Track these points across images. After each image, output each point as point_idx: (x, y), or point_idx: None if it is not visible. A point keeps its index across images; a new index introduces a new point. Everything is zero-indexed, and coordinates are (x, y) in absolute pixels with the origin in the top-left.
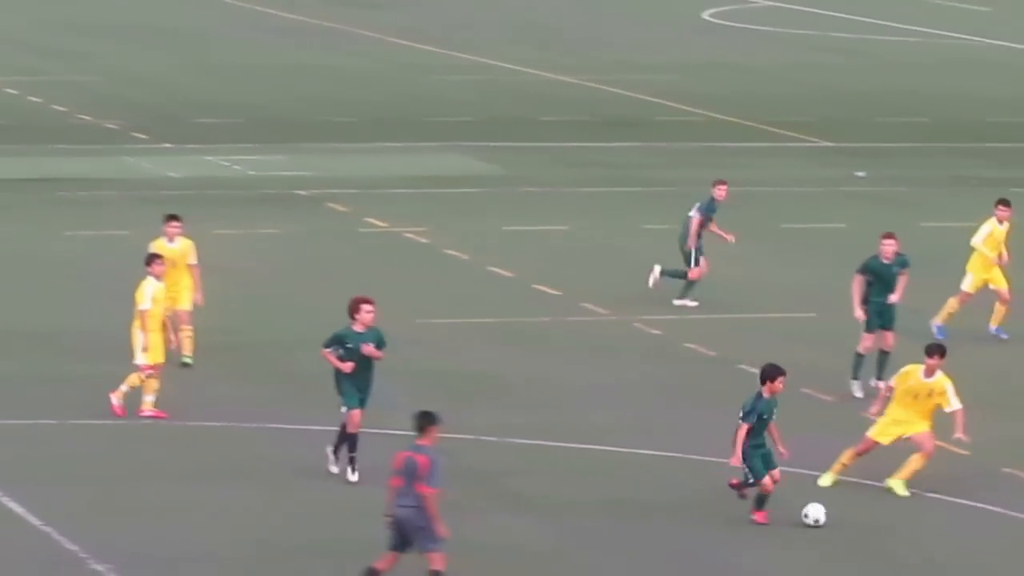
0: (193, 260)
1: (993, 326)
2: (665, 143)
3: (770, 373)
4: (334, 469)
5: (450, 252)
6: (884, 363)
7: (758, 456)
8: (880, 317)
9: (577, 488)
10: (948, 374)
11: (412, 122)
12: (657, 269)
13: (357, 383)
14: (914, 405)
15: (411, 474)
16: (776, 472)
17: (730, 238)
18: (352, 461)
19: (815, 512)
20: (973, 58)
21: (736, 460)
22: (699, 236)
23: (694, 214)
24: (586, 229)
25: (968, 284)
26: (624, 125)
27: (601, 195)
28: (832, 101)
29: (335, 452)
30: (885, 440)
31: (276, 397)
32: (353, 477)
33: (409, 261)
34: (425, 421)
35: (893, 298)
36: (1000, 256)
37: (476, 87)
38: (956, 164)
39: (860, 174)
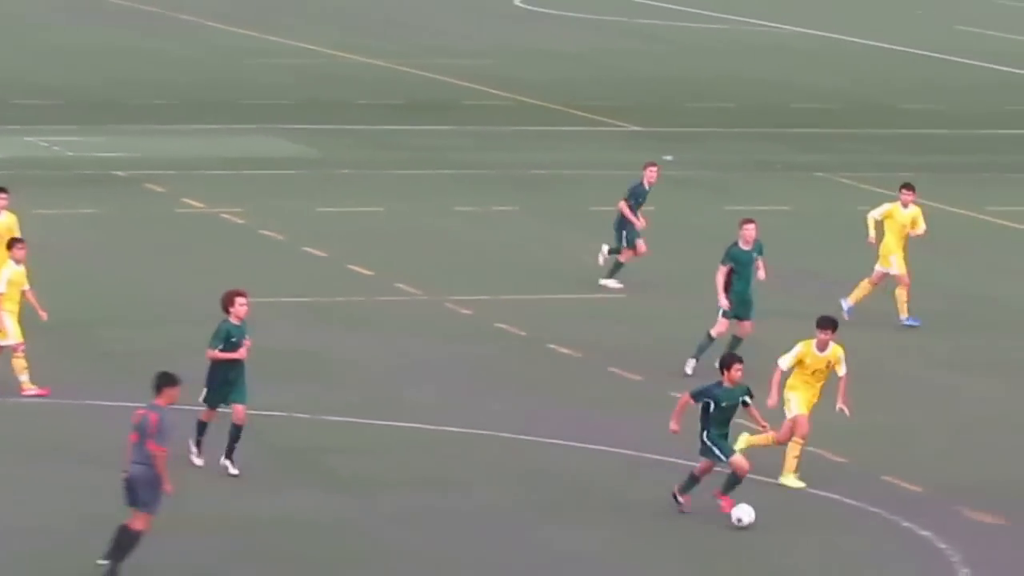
0: (17, 233)
1: (850, 301)
2: (476, 126)
3: (725, 362)
4: (234, 471)
5: (265, 233)
6: (735, 348)
7: (721, 439)
8: (743, 305)
9: (389, 465)
10: (839, 343)
11: (229, 105)
12: (605, 248)
13: (232, 379)
14: (812, 379)
15: (143, 431)
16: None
17: (640, 223)
18: (230, 451)
19: (739, 512)
20: (777, 45)
21: (675, 424)
22: (635, 217)
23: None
24: (399, 211)
25: (897, 267)
26: (436, 109)
27: (414, 177)
28: (640, 86)
29: (229, 456)
30: (806, 410)
31: (94, 374)
32: (234, 471)
33: (225, 241)
34: (162, 381)
35: (760, 275)
36: (904, 239)
37: (292, 71)
38: (761, 149)
39: (667, 158)
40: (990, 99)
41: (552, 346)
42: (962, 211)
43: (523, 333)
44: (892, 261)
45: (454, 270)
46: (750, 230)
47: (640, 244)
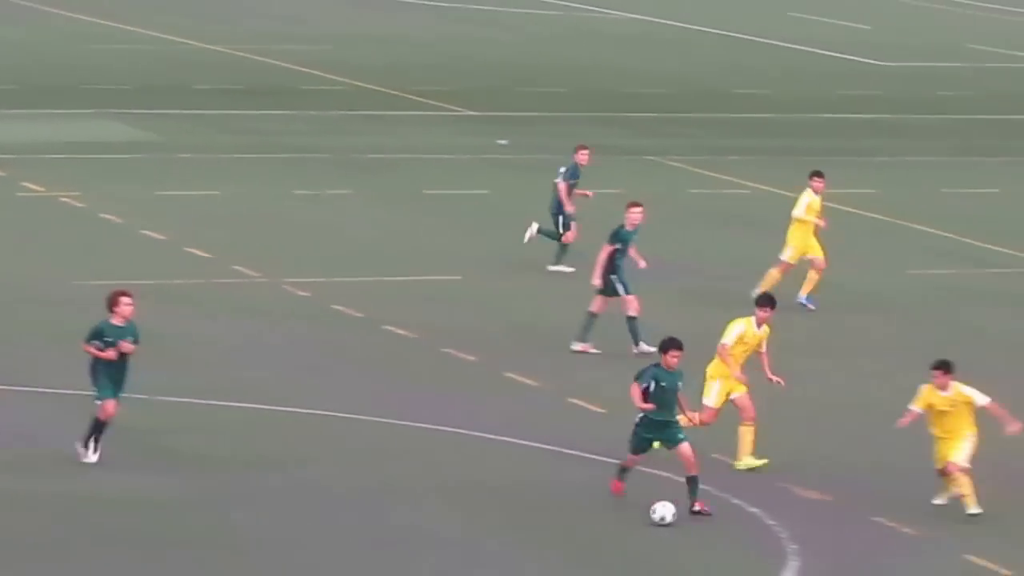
0: None
1: (803, 295)
2: (313, 111)
3: (663, 345)
4: (92, 459)
5: (105, 216)
6: (590, 321)
7: (652, 430)
8: (632, 281)
9: (229, 445)
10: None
11: (69, 89)
12: (535, 226)
13: (112, 375)
14: (744, 355)
15: None
16: (686, 446)
17: (590, 194)
18: (96, 443)
19: (663, 510)
20: (611, 31)
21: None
22: (570, 200)
23: (559, 180)
24: (237, 194)
25: (788, 255)
26: (274, 94)
27: (251, 161)
28: (474, 71)
29: (86, 444)
30: (720, 404)
31: None
32: (93, 457)
33: (65, 224)
34: None
35: (642, 264)
36: (815, 226)
37: (131, 56)
38: (593, 133)
39: (502, 142)
40: (820, 84)
41: (388, 327)
42: (792, 194)
43: (360, 315)
44: (787, 252)
45: (291, 253)
46: (636, 213)
47: (574, 227)
